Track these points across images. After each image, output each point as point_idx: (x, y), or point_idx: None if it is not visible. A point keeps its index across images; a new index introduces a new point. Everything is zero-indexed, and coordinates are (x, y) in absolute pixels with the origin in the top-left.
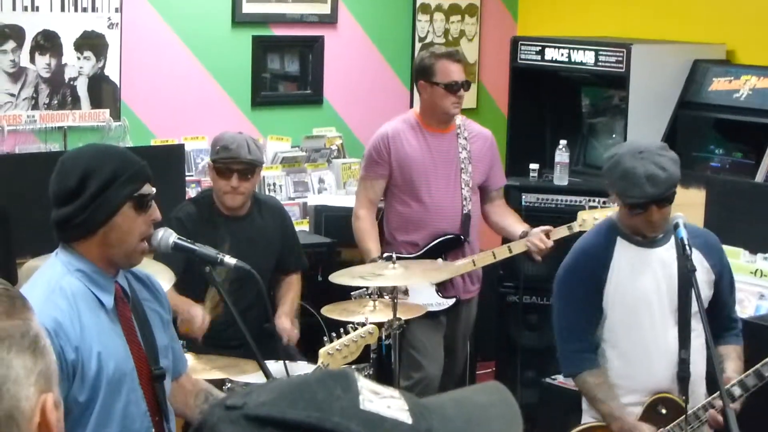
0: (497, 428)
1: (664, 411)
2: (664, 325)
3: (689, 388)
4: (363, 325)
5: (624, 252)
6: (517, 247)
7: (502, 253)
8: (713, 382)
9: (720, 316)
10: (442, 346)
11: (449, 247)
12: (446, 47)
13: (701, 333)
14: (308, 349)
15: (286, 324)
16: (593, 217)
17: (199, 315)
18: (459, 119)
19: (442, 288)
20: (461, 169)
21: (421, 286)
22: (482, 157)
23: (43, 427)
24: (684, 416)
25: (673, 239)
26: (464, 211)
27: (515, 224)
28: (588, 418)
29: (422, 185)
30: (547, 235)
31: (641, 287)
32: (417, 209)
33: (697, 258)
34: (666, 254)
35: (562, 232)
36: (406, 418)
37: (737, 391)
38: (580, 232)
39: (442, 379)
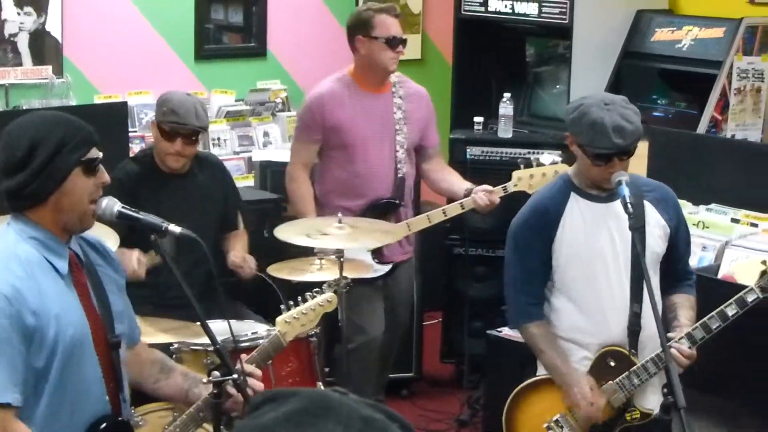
0: None
1: (612, 363)
2: (618, 279)
3: (640, 343)
4: (321, 292)
5: (577, 207)
6: (453, 210)
7: (437, 216)
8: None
9: (675, 268)
10: (382, 307)
11: (384, 211)
12: (383, 2)
13: (654, 288)
14: (259, 309)
15: (237, 258)
16: (529, 175)
17: (132, 258)
18: (395, 77)
19: (378, 254)
20: (396, 131)
21: (357, 253)
22: (418, 117)
23: None
24: (632, 369)
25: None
26: (398, 175)
27: (457, 182)
28: (543, 371)
29: (358, 151)
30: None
31: (595, 242)
32: (354, 175)
33: (651, 212)
34: (620, 208)
35: (497, 193)
36: None
37: (685, 344)
38: (515, 192)
39: (386, 340)
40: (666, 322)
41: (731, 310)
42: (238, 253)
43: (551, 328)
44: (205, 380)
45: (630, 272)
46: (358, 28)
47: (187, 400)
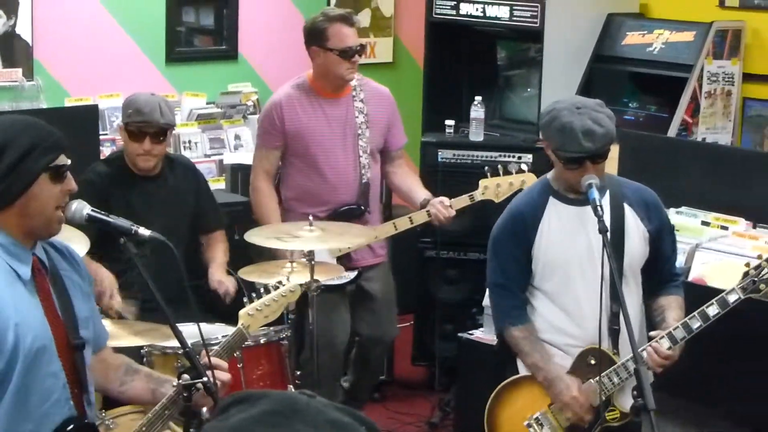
0: None
1: (593, 362)
2: (597, 281)
3: (620, 342)
4: (283, 283)
5: (555, 211)
6: (419, 218)
7: (403, 224)
8: (649, 337)
9: (662, 270)
10: (349, 314)
11: (349, 218)
12: (338, 9)
13: (634, 290)
14: (228, 309)
15: (221, 277)
16: (495, 183)
17: (105, 293)
18: (354, 80)
19: (345, 260)
20: (358, 135)
21: (323, 259)
22: (380, 118)
23: None
24: (612, 368)
25: (607, 197)
26: (363, 180)
27: (417, 190)
28: (524, 371)
29: (320, 157)
30: (450, 204)
31: (574, 245)
32: (318, 182)
33: (630, 216)
34: None
35: (463, 201)
36: None
37: (665, 343)
38: (482, 201)
39: (376, 346)
40: (653, 325)
41: (713, 311)
42: (217, 273)
43: (534, 331)
44: (175, 383)
45: (609, 273)
46: (313, 38)
47: (154, 401)
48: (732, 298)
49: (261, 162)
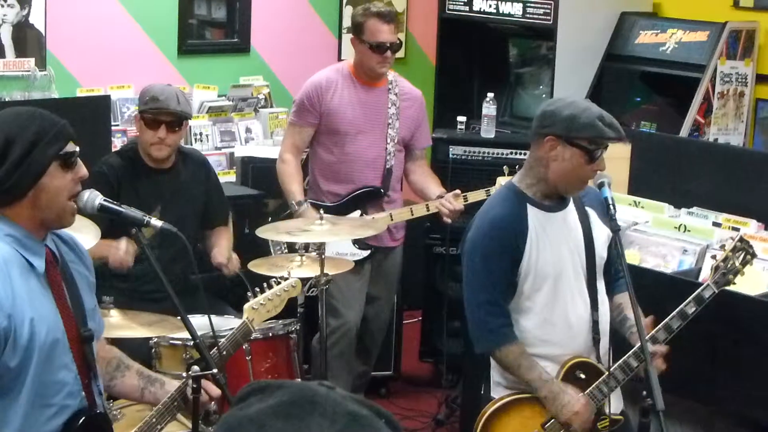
0: None
1: (583, 375)
2: (579, 289)
3: (601, 350)
4: (285, 278)
5: (537, 219)
6: (434, 206)
7: (419, 210)
8: (615, 340)
9: (611, 269)
10: (364, 294)
11: (369, 198)
12: (381, 5)
13: (605, 294)
14: (234, 302)
15: (221, 258)
16: None
17: (120, 248)
18: (391, 75)
19: (363, 239)
20: (388, 124)
21: (342, 248)
22: (410, 116)
23: None
24: (601, 378)
25: (571, 202)
26: (387, 166)
27: (432, 187)
28: (501, 391)
29: (348, 136)
30: (465, 198)
31: (560, 253)
32: (341, 159)
33: (594, 218)
34: (570, 217)
35: (479, 195)
36: None
37: (661, 335)
38: None
39: (369, 327)
40: (615, 324)
41: (690, 308)
42: (223, 251)
43: (525, 346)
44: (185, 374)
45: (586, 281)
46: (354, 29)
47: (142, 399)
48: (707, 294)
49: (292, 137)
